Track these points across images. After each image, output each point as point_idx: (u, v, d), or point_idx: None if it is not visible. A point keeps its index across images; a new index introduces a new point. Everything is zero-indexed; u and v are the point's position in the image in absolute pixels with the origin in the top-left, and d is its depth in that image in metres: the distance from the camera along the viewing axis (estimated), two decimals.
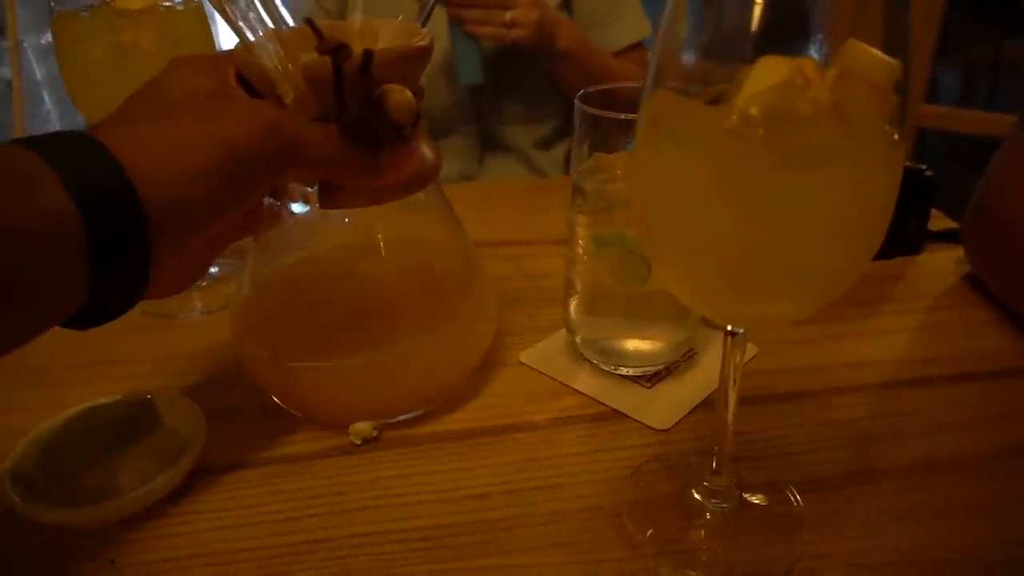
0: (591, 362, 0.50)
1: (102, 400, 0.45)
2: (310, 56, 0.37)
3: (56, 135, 0.30)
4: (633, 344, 0.49)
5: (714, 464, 0.38)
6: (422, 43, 0.39)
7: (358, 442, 0.44)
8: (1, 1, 0.76)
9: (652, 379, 0.49)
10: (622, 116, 0.42)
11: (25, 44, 0.65)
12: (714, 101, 0.29)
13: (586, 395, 0.48)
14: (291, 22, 0.42)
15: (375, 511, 0.40)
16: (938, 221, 0.69)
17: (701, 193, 0.29)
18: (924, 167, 0.63)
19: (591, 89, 0.44)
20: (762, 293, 0.31)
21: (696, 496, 0.39)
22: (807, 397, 0.48)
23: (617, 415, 0.46)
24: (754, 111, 0.28)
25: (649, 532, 0.38)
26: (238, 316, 0.47)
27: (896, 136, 0.29)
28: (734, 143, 0.28)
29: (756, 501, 0.40)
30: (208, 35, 0.56)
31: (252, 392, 0.48)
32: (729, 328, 0.34)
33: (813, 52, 0.28)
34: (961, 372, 0.50)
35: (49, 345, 0.55)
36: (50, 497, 0.38)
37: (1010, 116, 0.60)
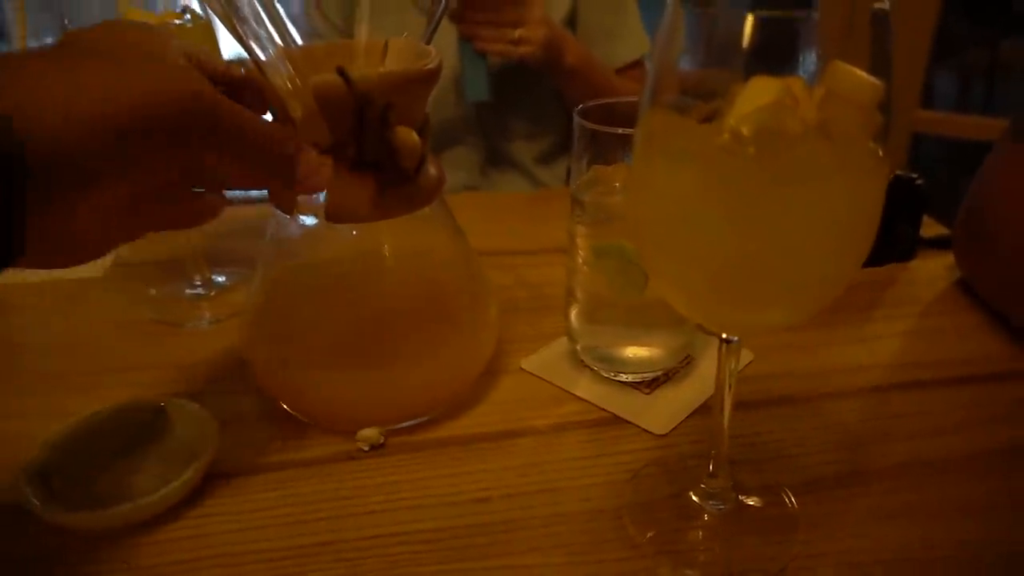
0: (591, 369, 0.51)
1: (115, 406, 0.46)
2: (320, 76, 0.38)
3: None
4: (632, 351, 0.50)
5: (711, 467, 0.40)
6: (431, 66, 0.40)
7: (365, 448, 0.45)
8: (10, 13, 0.77)
9: (651, 385, 0.50)
10: (619, 131, 0.43)
11: None
12: (707, 119, 0.31)
13: (586, 401, 0.49)
14: (299, 40, 0.43)
15: (382, 515, 0.41)
16: (931, 228, 0.71)
17: (695, 207, 0.31)
18: (915, 176, 0.64)
19: (589, 104, 0.46)
20: (754, 302, 0.32)
21: (694, 498, 0.41)
22: (801, 401, 0.49)
23: (617, 420, 0.47)
24: (745, 129, 0.29)
25: (649, 533, 0.39)
26: (248, 324, 0.48)
27: (880, 152, 0.30)
28: (726, 160, 0.29)
29: (752, 503, 0.41)
30: (216, 51, 0.57)
31: (261, 399, 0.49)
32: (724, 336, 0.35)
33: (802, 73, 0.30)
34: (951, 376, 0.52)
35: (60, 353, 0.57)
36: (66, 500, 0.40)
37: (1005, 120, 0.61)
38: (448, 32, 0.94)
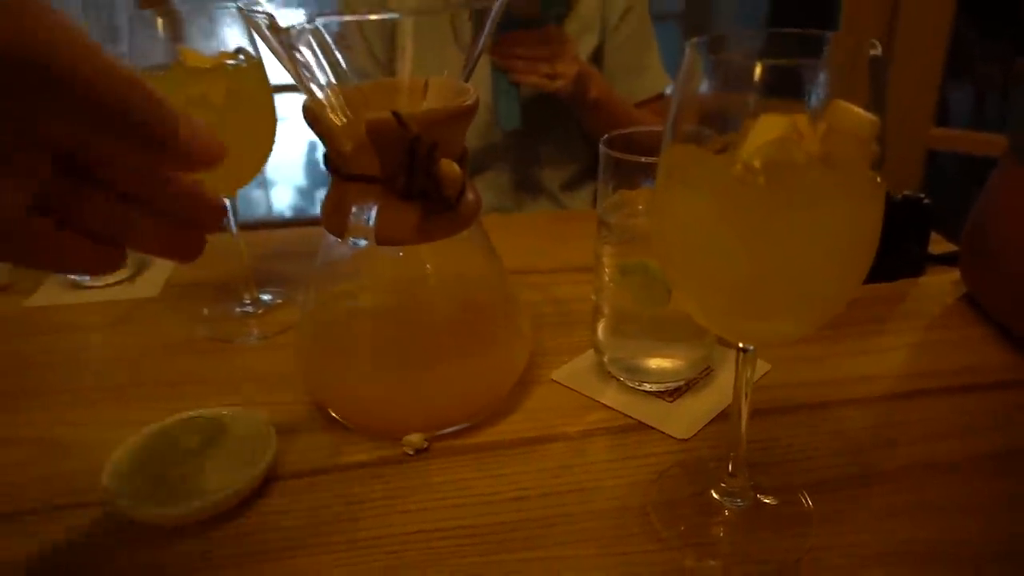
0: (617, 379, 0.55)
1: (182, 415, 0.50)
2: (374, 115, 0.42)
3: None
4: (655, 362, 0.54)
5: (730, 467, 0.43)
6: (469, 102, 0.45)
7: (410, 452, 0.49)
8: None
9: (673, 394, 0.54)
10: (642, 159, 0.47)
11: None
12: (722, 151, 0.35)
13: (613, 409, 0.53)
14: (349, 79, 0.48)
15: (426, 512, 0.45)
16: (940, 245, 0.74)
17: (712, 229, 0.35)
18: (922, 195, 0.68)
19: (614, 134, 0.50)
20: (766, 314, 0.36)
21: (715, 496, 0.44)
22: (815, 409, 0.53)
23: (642, 426, 0.51)
24: (756, 161, 0.33)
25: (673, 528, 0.42)
26: (302, 338, 0.52)
27: (878, 179, 0.34)
28: (739, 187, 0.33)
29: (769, 501, 0.44)
30: (267, 88, 0.62)
31: (311, 408, 0.54)
32: (740, 345, 0.39)
33: (806, 110, 0.33)
34: (955, 384, 0.55)
35: (122, 368, 0.62)
36: (144, 497, 0.44)
37: None
38: (481, 63, 1.00)
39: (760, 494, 0.44)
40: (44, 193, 0.30)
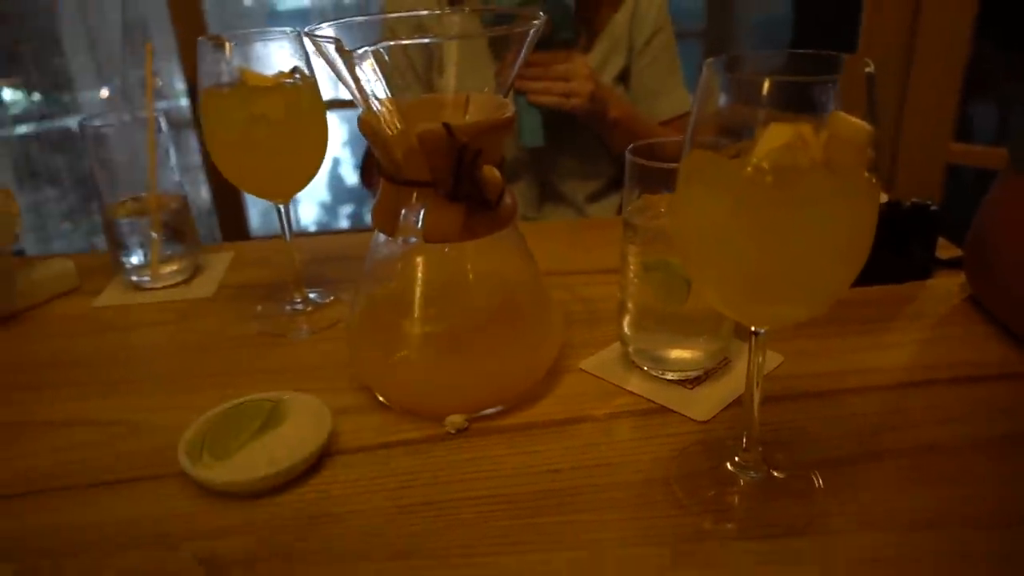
0: (641, 368, 0.60)
1: (246, 397, 0.55)
2: (425, 126, 0.48)
3: None
4: (676, 353, 0.59)
5: (744, 443, 0.48)
6: (507, 115, 0.50)
7: (452, 431, 0.54)
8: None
9: (693, 382, 0.58)
10: (664, 166, 0.52)
11: (158, 113, 0.77)
12: (735, 156, 0.40)
13: (637, 395, 0.57)
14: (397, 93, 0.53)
15: (469, 482, 0.50)
16: (947, 250, 0.78)
17: (726, 226, 0.39)
18: (929, 202, 0.72)
19: (639, 143, 0.55)
20: (775, 298, 0.41)
21: (731, 469, 0.48)
22: (825, 396, 0.57)
23: (664, 410, 0.56)
24: (765, 164, 0.38)
25: (693, 496, 0.47)
26: (353, 329, 0.57)
27: (874, 180, 0.39)
28: (751, 188, 0.38)
29: (780, 475, 0.49)
30: (321, 105, 0.68)
31: (360, 393, 0.59)
32: (753, 329, 0.44)
33: (810, 119, 0.38)
34: (960, 375, 0.59)
35: (185, 359, 0.67)
36: (216, 468, 0.49)
37: None
38: None
39: (772, 469, 0.49)
40: None
